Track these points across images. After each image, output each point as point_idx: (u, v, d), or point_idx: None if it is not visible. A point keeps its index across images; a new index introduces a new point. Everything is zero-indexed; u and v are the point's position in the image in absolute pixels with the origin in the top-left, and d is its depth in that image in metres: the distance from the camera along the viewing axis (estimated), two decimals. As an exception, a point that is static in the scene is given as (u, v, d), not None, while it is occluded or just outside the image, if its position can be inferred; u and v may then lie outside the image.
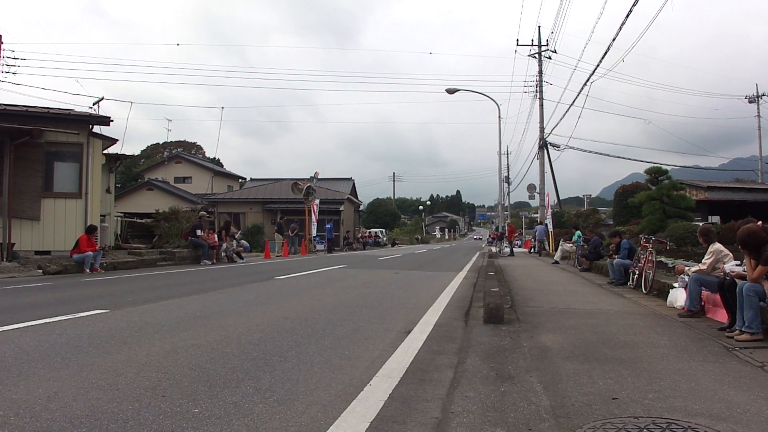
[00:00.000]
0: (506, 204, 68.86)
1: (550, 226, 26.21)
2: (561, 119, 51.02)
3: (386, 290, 9.21)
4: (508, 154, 66.29)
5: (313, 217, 29.73)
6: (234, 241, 19.47)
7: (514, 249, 27.36)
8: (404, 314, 6.52)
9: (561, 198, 38.99)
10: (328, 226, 32.06)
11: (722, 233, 12.26)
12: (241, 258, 19.31)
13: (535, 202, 33.06)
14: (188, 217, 19.98)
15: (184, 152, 59.28)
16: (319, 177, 32.76)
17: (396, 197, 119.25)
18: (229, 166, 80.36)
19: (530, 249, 30.55)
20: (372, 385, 3.60)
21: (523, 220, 54.76)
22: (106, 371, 3.82)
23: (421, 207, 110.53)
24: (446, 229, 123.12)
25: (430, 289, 9.44)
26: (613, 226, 23.86)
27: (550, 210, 28.00)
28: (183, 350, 4.45)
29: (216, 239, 18.35)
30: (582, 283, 10.98)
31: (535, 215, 42.68)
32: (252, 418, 2.98)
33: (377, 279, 11.51)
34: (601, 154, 32.15)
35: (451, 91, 28.63)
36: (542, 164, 30.37)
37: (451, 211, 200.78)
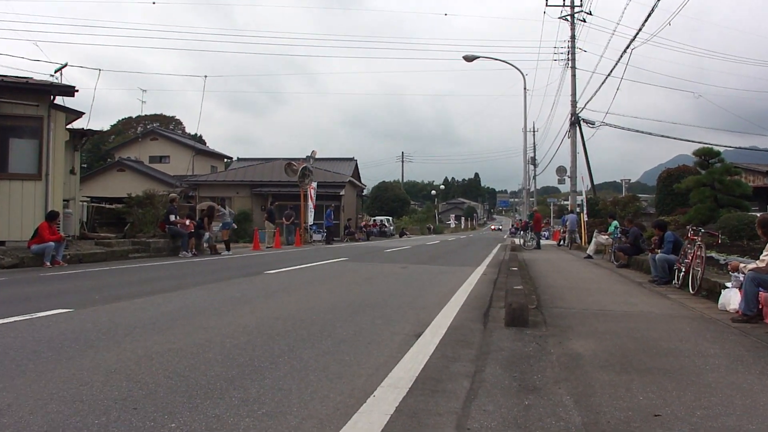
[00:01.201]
0: (532, 189, 68.54)
1: (584, 215, 26.15)
2: (596, 92, 50.59)
3: (393, 287, 9.25)
4: (534, 131, 66.04)
5: (310, 202, 29.78)
6: (218, 224, 19.47)
7: (540, 241, 27.31)
8: (413, 315, 6.54)
9: (595, 183, 38.83)
10: (326, 213, 32.14)
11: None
12: (228, 249, 19.38)
13: (565, 188, 32.92)
14: (166, 203, 20.02)
15: (161, 128, 59.38)
16: (316, 156, 32.75)
17: (405, 180, 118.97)
18: (213, 144, 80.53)
19: (559, 241, 30.52)
20: (376, 396, 3.59)
21: (552, 207, 54.67)
22: (69, 380, 3.83)
23: (433, 192, 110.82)
24: (462, 218, 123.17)
25: (443, 287, 9.47)
26: (656, 216, 23.76)
27: (582, 196, 27.91)
28: (158, 355, 4.46)
29: (194, 225, 18.36)
30: (619, 281, 10.97)
31: (566, 202, 42.59)
32: (236, 434, 2.98)
33: (383, 274, 11.55)
34: (642, 132, 31.57)
35: (469, 59, 28.46)
36: (574, 144, 30.21)
37: (468, 197, 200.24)
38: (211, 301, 7.39)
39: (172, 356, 4.44)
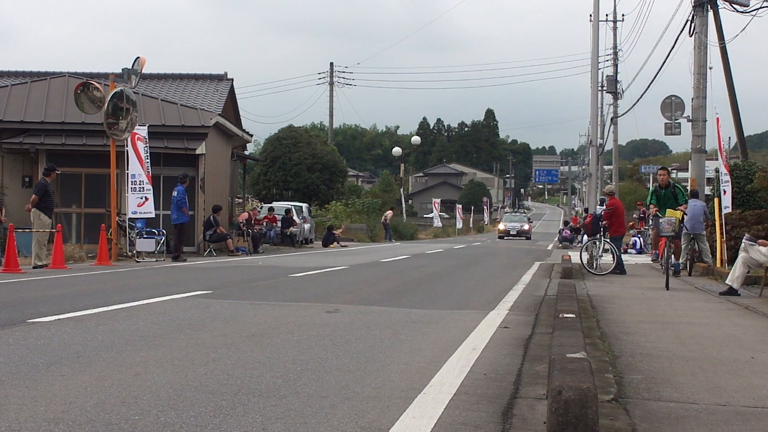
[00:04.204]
0: (609, 146, 68.65)
1: (726, 202, 26.28)
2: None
3: (309, 354, 9.29)
4: (615, 22, 66.85)
5: (138, 168, 29.34)
6: None
7: (623, 256, 27.53)
8: (351, 413, 6.55)
9: (747, 135, 39.00)
10: (175, 194, 31.55)
11: None
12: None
13: (681, 142, 33.30)
14: None
15: None
16: (143, 71, 32.26)
17: (338, 125, 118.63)
18: None
19: (661, 258, 30.75)
20: None
21: (651, 183, 55.54)
22: None
23: (397, 150, 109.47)
24: (459, 207, 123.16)
25: (418, 353, 9.52)
26: None
27: (719, 161, 28.13)
28: None
29: None
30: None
31: (682, 176, 43.29)
32: None
33: (286, 326, 11.58)
34: None
35: None
36: (702, 50, 30.56)
37: (471, 162, 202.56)
38: None
39: None
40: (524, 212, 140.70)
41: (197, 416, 6.31)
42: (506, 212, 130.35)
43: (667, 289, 19.60)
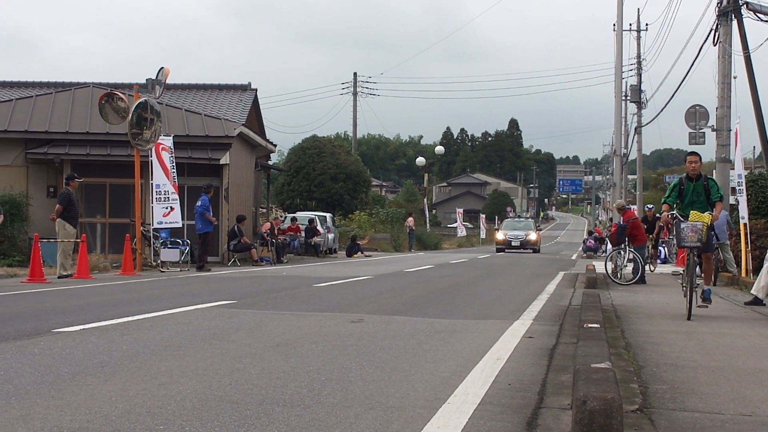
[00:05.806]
0: (633, 155, 68.27)
1: (742, 213, 26.09)
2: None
3: (333, 364, 9.26)
4: (639, 31, 66.56)
5: (162, 178, 29.29)
6: None
7: (650, 266, 27.34)
8: (374, 424, 6.53)
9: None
10: (198, 203, 31.43)
11: None
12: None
13: (706, 152, 32.80)
14: None
15: None
16: (167, 81, 32.22)
17: (361, 135, 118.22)
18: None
19: (683, 268, 30.52)
20: None
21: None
22: None
23: (421, 160, 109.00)
24: (483, 216, 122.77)
25: (442, 363, 9.49)
26: None
27: (740, 170, 27.95)
28: None
29: None
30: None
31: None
32: None
33: (310, 336, 11.55)
34: None
35: None
36: (725, 59, 30.38)
37: (494, 172, 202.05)
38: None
39: None
40: (529, 217, 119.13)
41: (222, 426, 6.30)
42: (508, 217, 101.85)
43: (689, 319, 15.10)
